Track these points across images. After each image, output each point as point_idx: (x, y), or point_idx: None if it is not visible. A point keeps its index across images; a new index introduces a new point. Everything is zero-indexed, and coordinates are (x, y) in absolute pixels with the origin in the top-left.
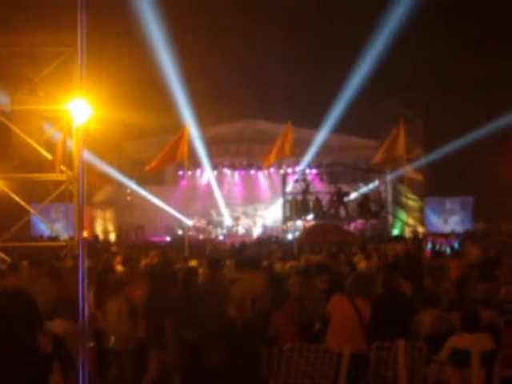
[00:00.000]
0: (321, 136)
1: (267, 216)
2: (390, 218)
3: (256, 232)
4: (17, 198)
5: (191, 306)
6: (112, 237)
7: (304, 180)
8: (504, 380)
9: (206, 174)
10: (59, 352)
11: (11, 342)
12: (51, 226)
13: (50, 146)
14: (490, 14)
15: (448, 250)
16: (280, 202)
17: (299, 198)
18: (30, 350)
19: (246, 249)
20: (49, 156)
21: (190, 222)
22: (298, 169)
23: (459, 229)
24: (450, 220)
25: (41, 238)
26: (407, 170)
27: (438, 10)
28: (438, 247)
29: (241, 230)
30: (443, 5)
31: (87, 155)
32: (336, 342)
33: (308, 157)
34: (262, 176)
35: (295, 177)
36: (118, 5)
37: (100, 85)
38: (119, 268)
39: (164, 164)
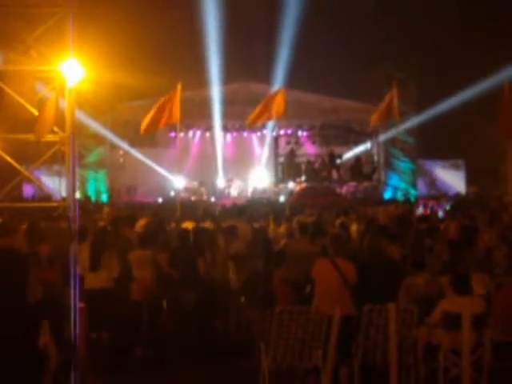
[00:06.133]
0: (314, 98)
1: (259, 178)
2: (382, 180)
3: (248, 194)
4: (8, 158)
5: None
6: (104, 198)
7: (296, 142)
8: (496, 344)
9: (198, 136)
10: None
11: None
12: (43, 186)
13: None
14: None
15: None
16: (272, 164)
17: (293, 159)
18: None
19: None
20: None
21: (181, 184)
22: (290, 131)
23: (454, 189)
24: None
25: (32, 198)
26: (399, 131)
27: None
28: (429, 210)
29: (233, 192)
30: None
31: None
32: (324, 304)
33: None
34: (254, 138)
35: (286, 139)
36: None
37: (93, 46)
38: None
39: (158, 124)
